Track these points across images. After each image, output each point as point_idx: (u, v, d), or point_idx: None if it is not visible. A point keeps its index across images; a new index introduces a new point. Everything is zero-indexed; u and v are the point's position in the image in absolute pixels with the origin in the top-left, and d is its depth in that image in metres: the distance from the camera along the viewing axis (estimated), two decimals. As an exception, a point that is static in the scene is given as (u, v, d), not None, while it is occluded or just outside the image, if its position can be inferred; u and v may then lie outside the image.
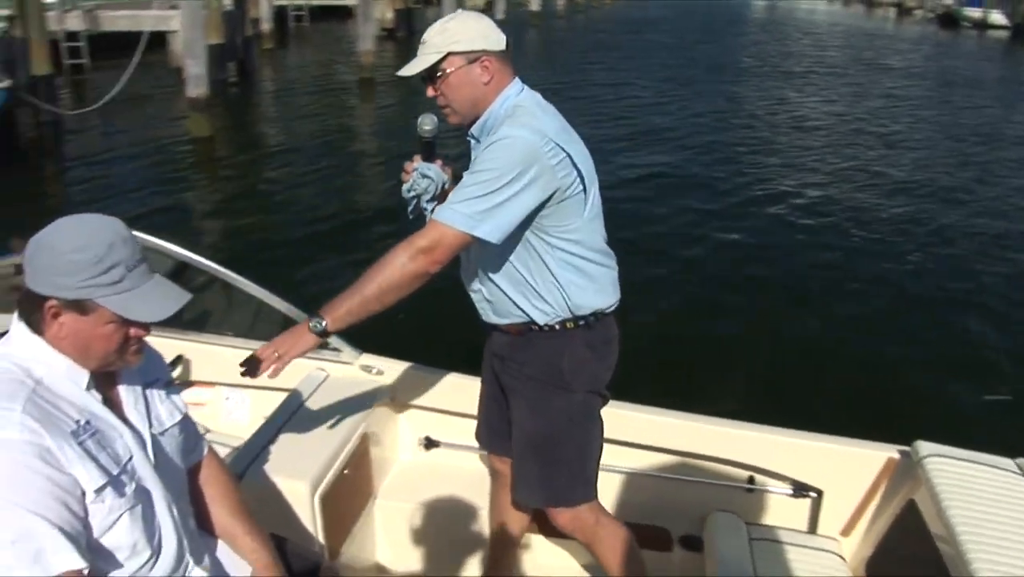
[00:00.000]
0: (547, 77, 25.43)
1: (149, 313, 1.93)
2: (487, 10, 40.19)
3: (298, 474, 3.04)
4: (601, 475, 3.41)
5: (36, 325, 1.93)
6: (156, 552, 2.05)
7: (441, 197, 2.83)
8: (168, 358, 4.04)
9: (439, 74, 2.70)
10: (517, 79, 2.80)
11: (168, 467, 2.15)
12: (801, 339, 8.40)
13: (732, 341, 8.31)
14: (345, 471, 3.22)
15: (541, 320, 2.80)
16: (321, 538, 3.07)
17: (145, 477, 2.04)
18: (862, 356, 8.03)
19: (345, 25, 38.52)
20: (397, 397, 3.71)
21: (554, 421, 2.88)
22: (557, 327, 2.80)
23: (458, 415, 3.65)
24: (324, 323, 2.64)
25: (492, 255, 2.76)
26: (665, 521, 3.48)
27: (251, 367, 2.66)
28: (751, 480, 3.32)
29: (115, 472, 1.93)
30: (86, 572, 1.80)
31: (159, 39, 24.41)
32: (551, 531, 3.56)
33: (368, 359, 3.74)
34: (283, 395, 3.53)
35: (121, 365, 2.03)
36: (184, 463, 2.27)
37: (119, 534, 1.95)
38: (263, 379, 3.82)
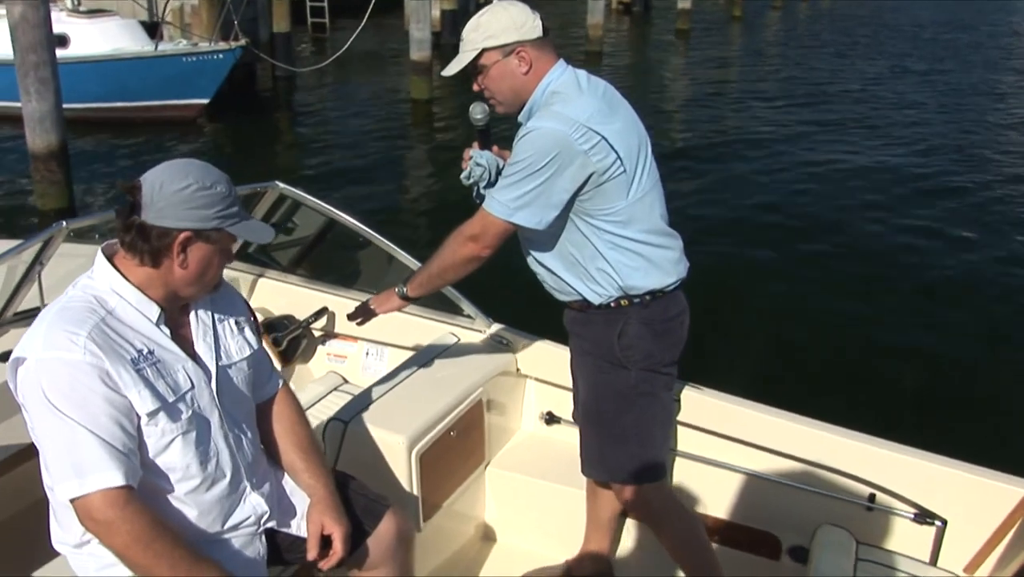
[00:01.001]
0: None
1: (261, 236, 2.32)
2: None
3: (398, 428, 3.07)
4: (714, 472, 3.35)
5: (156, 257, 2.10)
6: (211, 475, 2.20)
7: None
8: (314, 308, 4.28)
9: (479, 70, 2.80)
10: (560, 61, 2.82)
11: (233, 397, 2.30)
12: (956, 360, 7.58)
13: (883, 353, 7.66)
14: (452, 433, 3.24)
15: (595, 300, 2.84)
16: (417, 493, 3.11)
17: (204, 407, 2.19)
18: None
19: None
20: (522, 369, 3.71)
21: (608, 397, 2.93)
22: (612, 305, 2.84)
23: None
24: (405, 289, 3.00)
25: (543, 239, 2.83)
26: (776, 528, 3.33)
27: (356, 314, 3.15)
28: (872, 498, 3.13)
29: (171, 399, 2.09)
30: (129, 488, 1.96)
31: (398, 2, 25.27)
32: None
33: (499, 329, 3.76)
34: (420, 355, 3.61)
35: (206, 294, 2.27)
36: (255, 396, 2.43)
37: (172, 456, 2.12)
38: (401, 338, 4.00)
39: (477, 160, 2.94)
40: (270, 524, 2.40)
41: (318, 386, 4.06)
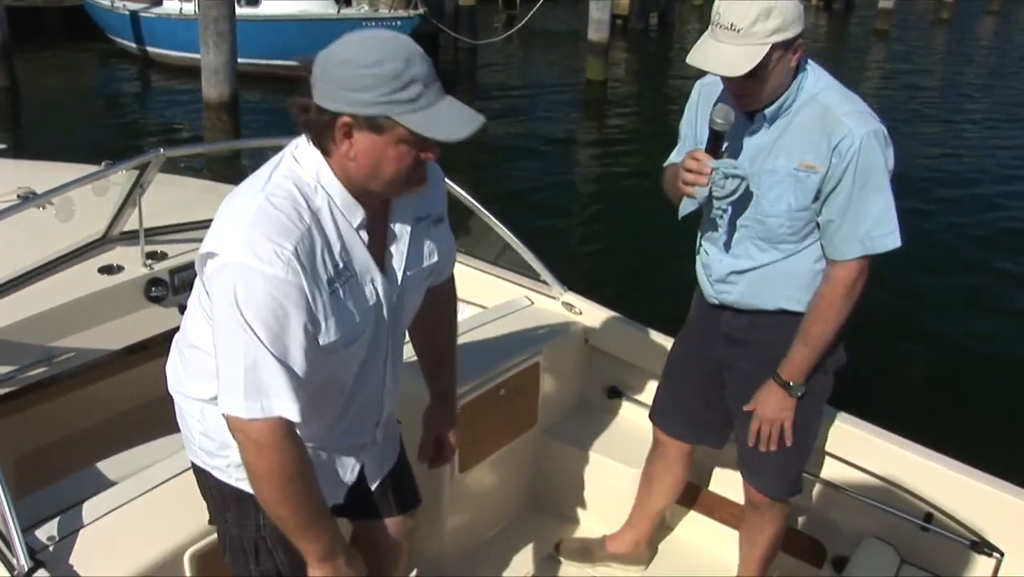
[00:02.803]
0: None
1: (447, 132, 1.79)
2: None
3: None
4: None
5: (325, 144, 1.85)
6: (358, 390, 2.09)
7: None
8: None
9: (759, 71, 2.37)
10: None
11: (408, 309, 2.14)
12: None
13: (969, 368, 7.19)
14: (501, 391, 3.21)
15: (799, 307, 2.67)
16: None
17: (379, 325, 2.02)
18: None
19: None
20: (591, 340, 3.64)
21: (807, 409, 2.75)
22: None
23: (649, 373, 3.52)
24: (791, 383, 2.68)
25: (790, 242, 2.62)
26: (824, 535, 3.16)
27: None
28: (928, 518, 2.90)
29: (355, 321, 1.92)
30: (294, 423, 1.83)
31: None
32: (698, 508, 3.49)
33: (572, 297, 3.69)
34: (490, 312, 3.60)
35: (405, 191, 1.93)
36: (430, 281, 2.23)
37: (331, 371, 1.97)
38: (477, 295, 3.99)
39: (729, 171, 2.48)
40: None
41: None
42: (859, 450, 3.04)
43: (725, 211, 2.65)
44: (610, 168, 12.68)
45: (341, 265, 1.88)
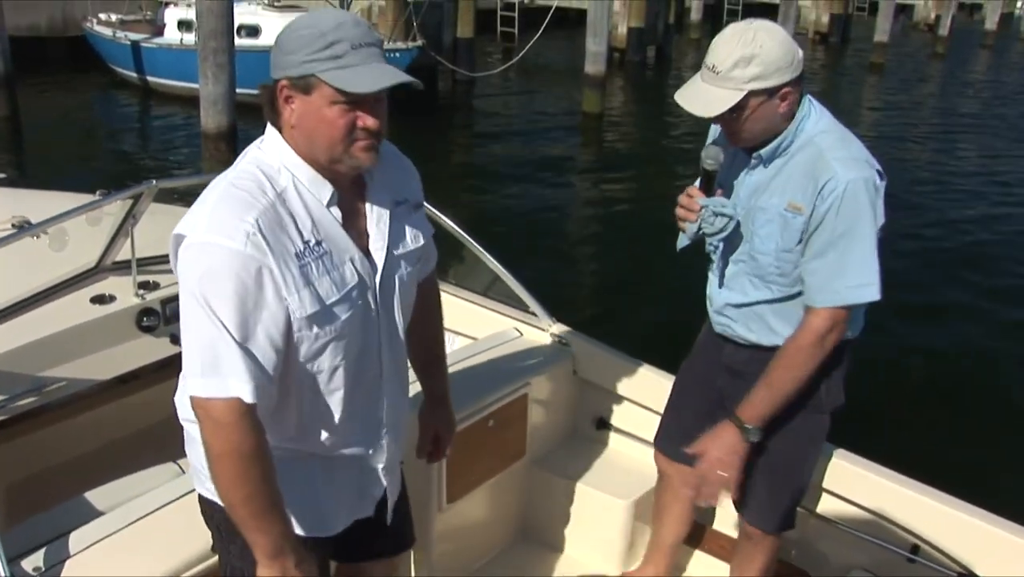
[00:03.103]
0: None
1: (362, 85, 1.80)
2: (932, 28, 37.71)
3: None
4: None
5: (275, 119, 1.90)
6: (359, 381, 2.04)
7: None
8: None
9: (734, 110, 2.44)
10: (806, 95, 2.56)
11: (399, 292, 2.09)
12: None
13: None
14: (490, 422, 3.22)
15: None
16: (443, 472, 3.06)
17: (365, 305, 1.99)
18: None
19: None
20: (579, 372, 3.66)
21: (801, 443, 2.77)
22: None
23: (638, 405, 3.53)
24: (748, 426, 2.59)
25: (780, 284, 2.61)
26: (811, 566, 3.16)
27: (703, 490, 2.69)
28: (914, 550, 2.92)
29: (332, 299, 1.90)
30: (252, 405, 1.80)
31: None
32: (705, 546, 3.46)
33: (560, 329, 3.71)
34: (479, 344, 3.62)
35: (351, 164, 1.91)
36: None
37: (324, 359, 1.95)
38: (467, 327, 4.01)
39: (719, 210, 2.55)
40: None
41: None
42: (847, 483, 3.05)
43: (717, 247, 2.71)
44: (604, 201, 12.77)
45: (313, 241, 1.88)
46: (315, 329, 1.89)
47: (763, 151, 2.55)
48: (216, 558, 2.28)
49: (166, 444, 2.73)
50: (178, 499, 2.48)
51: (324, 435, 2.05)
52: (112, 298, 3.64)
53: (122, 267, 3.76)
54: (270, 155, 1.91)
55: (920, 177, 14.88)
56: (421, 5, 17.53)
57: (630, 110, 19.09)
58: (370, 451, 2.16)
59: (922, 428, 6.63)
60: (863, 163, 2.46)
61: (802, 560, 3.19)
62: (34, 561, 2.25)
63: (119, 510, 2.46)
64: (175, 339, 3.75)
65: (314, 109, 1.84)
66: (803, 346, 2.52)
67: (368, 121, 1.86)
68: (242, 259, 1.77)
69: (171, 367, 4.13)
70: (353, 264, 1.94)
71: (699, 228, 2.61)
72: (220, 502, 1.96)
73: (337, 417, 2.04)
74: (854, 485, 3.03)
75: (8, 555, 2.17)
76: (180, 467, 3.06)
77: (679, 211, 2.60)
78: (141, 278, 3.72)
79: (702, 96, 2.45)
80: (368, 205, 2.02)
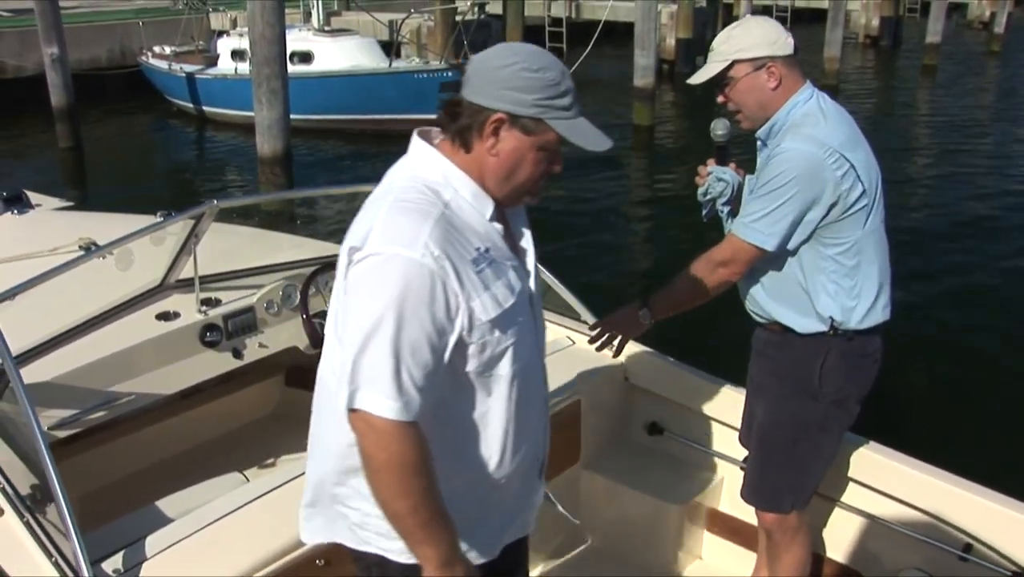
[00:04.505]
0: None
1: (591, 142, 1.92)
2: (986, 26, 36.93)
3: None
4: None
5: (467, 139, 1.91)
6: (528, 392, 2.04)
7: (736, 199, 2.94)
8: None
9: (726, 81, 2.77)
10: (808, 84, 2.79)
11: (539, 300, 2.13)
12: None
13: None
14: None
15: (800, 328, 2.81)
16: None
17: (529, 311, 2.03)
18: None
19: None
20: (631, 377, 3.70)
21: (786, 425, 2.89)
22: (816, 334, 2.79)
23: (689, 410, 3.56)
24: (649, 313, 2.98)
25: (765, 261, 2.80)
26: (862, 566, 3.16)
27: (597, 338, 3.14)
28: (967, 548, 2.90)
29: (511, 302, 1.92)
30: (415, 417, 1.78)
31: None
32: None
33: (612, 336, 3.77)
34: None
35: (522, 201, 2.02)
36: None
37: (503, 367, 1.95)
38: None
39: (718, 175, 2.95)
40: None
41: None
42: (897, 481, 3.04)
43: (726, 218, 2.99)
44: (655, 212, 12.74)
45: (483, 248, 1.90)
46: (497, 333, 1.90)
47: (760, 132, 2.83)
48: (284, 560, 2.39)
49: (229, 455, 2.82)
50: (245, 505, 2.58)
51: (495, 449, 2.02)
52: (176, 315, 3.76)
53: (185, 284, 3.89)
54: (430, 170, 1.93)
55: (976, 172, 14.60)
56: (470, 24, 17.69)
57: (681, 121, 19.04)
58: (535, 463, 2.18)
59: (973, 424, 6.54)
60: (815, 141, 2.64)
61: (854, 560, 3.20)
62: (114, 563, 2.37)
63: (190, 516, 2.56)
64: (237, 353, 3.86)
65: (525, 148, 1.90)
66: (703, 260, 2.85)
67: (558, 169, 1.98)
68: (420, 269, 1.78)
69: (232, 381, 4.26)
70: (515, 272, 1.98)
71: (706, 191, 2.97)
72: (392, 557, 1.97)
73: (511, 428, 2.02)
74: (904, 484, 3.03)
75: (90, 558, 2.29)
76: (245, 476, 3.17)
77: (697, 178, 3.02)
78: (203, 295, 3.84)
79: (700, 72, 2.81)
80: (511, 222, 2.07)
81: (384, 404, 1.76)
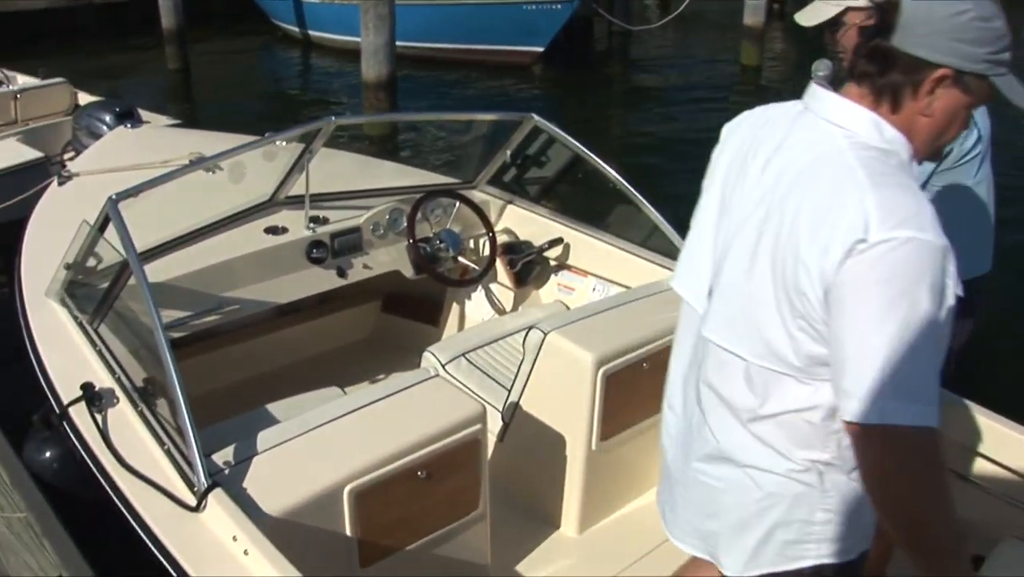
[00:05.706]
0: None
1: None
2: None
3: (590, 347, 3.13)
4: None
5: (900, 97, 1.69)
6: None
7: None
8: (550, 237, 4.39)
9: (837, 27, 2.82)
10: None
11: None
12: None
13: None
14: (644, 364, 3.23)
15: None
16: (598, 410, 3.15)
17: None
18: None
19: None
20: None
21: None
22: None
23: None
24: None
25: None
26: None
27: None
28: None
29: None
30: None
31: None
32: None
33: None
34: (633, 292, 3.63)
35: (931, 158, 1.89)
36: None
37: None
38: (628, 277, 4.03)
39: None
40: None
41: (540, 312, 4.17)
42: (998, 445, 2.91)
43: None
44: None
45: None
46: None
47: None
48: (387, 468, 2.47)
49: (329, 372, 2.83)
50: (347, 414, 2.61)
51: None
52: (284, 229, 3.80)
53: (295, 201, 3.92)
54: (873, 135, 1.72)
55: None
56: (580, -44, 17.30)
57: (790, 62, 18.43)
58: None
59: None
60: None
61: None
62: (224, 456, 2.45)
63: (295, 420, 2.62)
64: (341, 272, 3.89)
65: (960, 107, 1.70)
66: None
67: (963, 128, 1.79)
68: (940, 254, 1.57)
69: (332, 301, 4.32)
70: None
71: None
72: (818, 562, 1.85)
73: None
74: (1004, 447, 2.90)
75: (203, 452, 2.38)
76: (342, 390, 3.21)
77: None
78: (313, 212, 3.87)
79: (811, 12, 2.81)
80: None
81: (918, 414, 1.56)
